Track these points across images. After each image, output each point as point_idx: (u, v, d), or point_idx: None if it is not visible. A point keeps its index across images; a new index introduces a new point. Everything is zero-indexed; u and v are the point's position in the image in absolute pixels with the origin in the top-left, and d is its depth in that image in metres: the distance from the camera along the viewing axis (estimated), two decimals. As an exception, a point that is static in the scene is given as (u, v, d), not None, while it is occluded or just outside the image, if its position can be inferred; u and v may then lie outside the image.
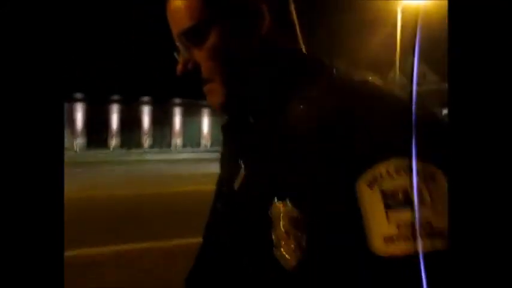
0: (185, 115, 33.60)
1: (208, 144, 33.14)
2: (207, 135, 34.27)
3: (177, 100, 33.56)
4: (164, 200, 6.56)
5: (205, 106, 34.93)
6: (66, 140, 31.70)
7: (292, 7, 0.55)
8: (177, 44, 0.54)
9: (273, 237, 0.43)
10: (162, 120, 32.65)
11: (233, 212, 0.52)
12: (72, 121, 30.79)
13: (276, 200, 0.43)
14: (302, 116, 0.47)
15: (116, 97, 31.98)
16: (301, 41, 0.56)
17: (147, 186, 8.13)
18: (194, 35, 0.51)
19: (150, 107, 32.83)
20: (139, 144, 31.36)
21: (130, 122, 31.64)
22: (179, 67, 0.54)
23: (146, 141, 32.06)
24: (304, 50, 0.56)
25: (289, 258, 0.41)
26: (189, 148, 30.51)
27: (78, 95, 30.95)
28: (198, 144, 32.86)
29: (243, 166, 0.52)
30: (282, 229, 0.42)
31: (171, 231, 4.41)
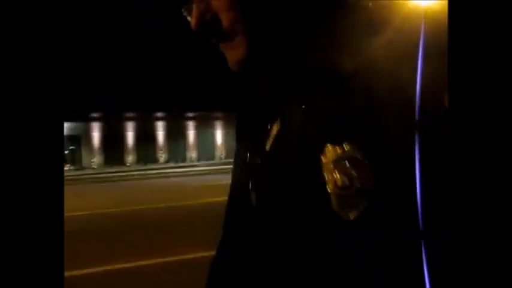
0: (198, 128, 33.99)
1: (223, 155, 33.43)
2: (221, 146, 34.57)
3: (190, 114, 34.02)
4: (188, 211, 6.72)
5: (217, 118, 35.32)
6: (83, 158, 32.32)
7: None
8: None
9: (328, 187, 0.38)
10: (176, 134, 33.08)
11: (269, 176, 0.45)
12: (89, 140, 31.56)
13: (329, 145, 0.38)
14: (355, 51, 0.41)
15: (130, 114, 32.63)
16: None
17: (171, 199, 8.30)
18: None
19: (164, 122, 33.34)
20: (155, 159, 31.80)
21: (146, 138, 32.13)
22: (193, 21, 0.46)
23: (162, 156, 32.48)
24: None
25: (349, 204, 0.37)
26: (203, 161, 30.76)
27: (94, 114, 31.77)
28: (213, 157, 33.14)
29: (275, 124, 0.46)
30: (338, 175, 0.37)
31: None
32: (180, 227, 5.63)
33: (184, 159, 32.21)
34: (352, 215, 0.37)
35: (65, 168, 29.12)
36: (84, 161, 30.87)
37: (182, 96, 36.03)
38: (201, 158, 32.64)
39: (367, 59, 0.40)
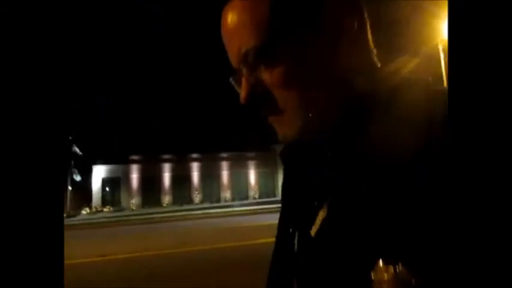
0: (232, 168, 34.45)
1: (257, 195, 33.53)
2: (255, 186, 34.74)
3: (224, 154, 34.70)
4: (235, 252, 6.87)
5: (251, 158, 35.79)
6: (122, 199, 33.20)
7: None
8: (240, 66, 0.45)
9: None
10: (210, 175, 33.63)
11: (313, 264, 0.43)
12: (128, 181, 32.72)
13: (381, 262, 0.35)
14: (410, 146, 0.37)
15: (167, 156, 33.72)
16: (374, 55, 0.48)
17: (215, 240, 8.47)
18: (265, 54, 0.43)
19: (198, 163, 34.13)
20: (190, 200, 32.26)
21: (181, 179, 32.89)
22: (244, 94, 0.45)
23: (197, 197, 32.93)
24: (378, 65, 0.48)
25: None
26: (237, 201, 30.96)
27: (133, 157, 33.12)
28: (246, 197, 33.29)
29: (322, 208, 0.43)
30: None
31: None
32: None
33: (218, 200, 32.50)
34: None
35: (105, 210, 30.07)
36: (123, 203, 31.82)
37: (215, 137, 37.08)
38: (235, 197, 32.80)
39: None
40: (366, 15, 0.47)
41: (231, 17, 0.44)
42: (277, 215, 0.56)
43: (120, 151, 32.99)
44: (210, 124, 38.29)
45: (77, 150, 29.81)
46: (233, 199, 32.52)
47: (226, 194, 33.58)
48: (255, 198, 32.77)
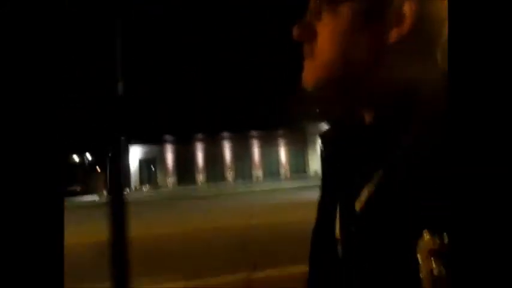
0: (263, 146, 34.91)
1: (288, 173, 34.08)
2: (286, 164, 35.23)
3: (254, 132, 35.23)
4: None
5: (281, 136, 36.12)
6: (159, 178, 34.32)
7: None
8: (312, 5, 0.50)
9: (421, 272, 0.35)
10: (242, 153, 34.18)
11: (359, 239, 0.43)
12: (164, 161, 33.85)
13: (427, 233, 0.35)
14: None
15: (199, 135, 34.50)
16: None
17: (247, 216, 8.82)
18: (331, 1, 0.47)
19: (230, 141, 34.80)
20: (223, 178, 33.14)
21: (214, 158, 33.65)
22: (297, 30, 0.50)
23: (230, 175, 33.76)
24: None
25: None
26: (268, 178, 31.60)
27: (167, 137, 34.24)
28: (278, 174, 33.86)
29: (367, 186, 0.43)
30: (434, 264, 0.34)
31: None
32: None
33: (250, 177, 33.23)
34: None
35: (144, 189, 31.62)
36: (161, 181, 33.15)
37: (246, 116, 37.44)
38: (267, 175, 33.43)
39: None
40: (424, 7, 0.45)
41: None
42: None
43: (154, 131, 34.04)
44: (240, 104, 38.70)
45: (114, 134, 30.89)
46: (264, 176, 33.09)
47: (258, 172, 34.23)
48: (286, 176, 33.27)
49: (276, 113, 35.28)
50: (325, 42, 0.48)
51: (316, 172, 32.40)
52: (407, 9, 0.44)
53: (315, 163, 37.01)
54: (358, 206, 0.44)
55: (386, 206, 0.41)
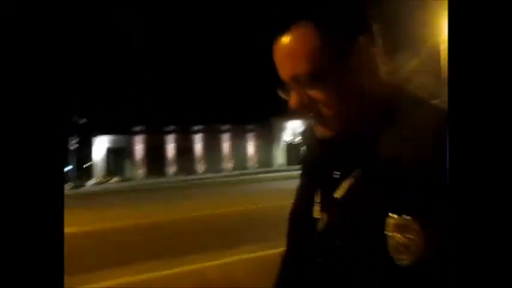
0: (232, 140, 35.17)
1: (255, 165, 34.67)
2: (254, 157, 35.91)
3: (224, 126, 35.43)
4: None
5: (250, 130, 36.35)
6: (128, 170, 33.34)
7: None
8: (290, 82, 0.55)
9: (389, 242, 0.46)
10: (212, 146, 34.28)
11: (339, 220, 0.55)
12: (132, 152, 33.18)
13: (390, 214, 0.47)
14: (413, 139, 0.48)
15: (170, 127, 34.11)
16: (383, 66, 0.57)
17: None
18: (313, 78, 0.53)
19: (200, 134, 34.75)
20: (193, 171, 33.10)
21: (184, 150, 33.50)
22: (294, 101, 0.55)
23: (200, 167, 33.83)
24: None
25: (404, 257, 0.45)
26: (238, 171, 31.69)
27: (137, 128, 33.33)
28: (245, 167, 34.28)
29: (348, 180, 0.55)
30: (398, 234, 0.46)
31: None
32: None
33: (220, 170, 33.35)
34: (405, 262, 0.45)
35: (113, 180, 29.93)
36: (130, 173, 32.48)
37: (217, 110, 37.18)
38: (237, 167, 33.81)
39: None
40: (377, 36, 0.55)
41: (285, 46, 0.54)
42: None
43: (123, 122, 33.40)
44: (211, 97, 38.85)
45: (79, 120, 29.31)
46: (234, 169, 33.41)
47: (228, 164, 34.59)
48: (253, 168, 33.82)
49: (246, 108, 35.55)
50: (328, 107, 0.55)
51: (279, 166, 33.28)
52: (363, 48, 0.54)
53: (279, 157, 37.87)
54: (339, 194, 0.56)
55: (363, 195, 0.52)
